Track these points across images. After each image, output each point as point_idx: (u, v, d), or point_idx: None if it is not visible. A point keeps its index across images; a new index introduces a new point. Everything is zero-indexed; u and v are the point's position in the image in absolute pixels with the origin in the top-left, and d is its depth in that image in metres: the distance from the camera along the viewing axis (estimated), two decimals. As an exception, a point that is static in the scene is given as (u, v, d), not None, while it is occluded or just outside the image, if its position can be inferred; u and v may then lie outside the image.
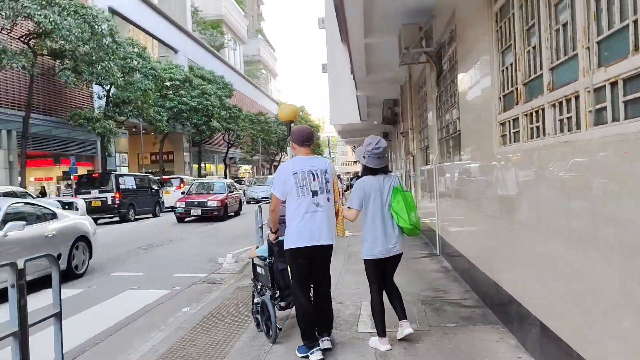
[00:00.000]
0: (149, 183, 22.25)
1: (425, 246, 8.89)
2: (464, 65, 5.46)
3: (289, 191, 3.95)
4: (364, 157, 4.11)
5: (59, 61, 22.39)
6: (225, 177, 50.26)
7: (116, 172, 21.30)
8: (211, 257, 9.68)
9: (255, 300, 4.77)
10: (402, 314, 4.13)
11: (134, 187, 20.59)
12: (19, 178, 21.99)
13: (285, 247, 4.00)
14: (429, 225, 8.77)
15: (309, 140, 4.15)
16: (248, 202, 27.11)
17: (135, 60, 26.19)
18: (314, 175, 3.98)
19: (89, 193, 18.55)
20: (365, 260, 4.07)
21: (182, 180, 27.37)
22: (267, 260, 4.40)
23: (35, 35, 20.64)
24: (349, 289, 5.98)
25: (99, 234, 14.67)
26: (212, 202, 18.24)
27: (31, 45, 20.70)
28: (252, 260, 4.84)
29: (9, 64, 18.13)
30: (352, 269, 7.02)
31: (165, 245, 11.95)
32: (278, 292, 4.38)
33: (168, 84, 32.62)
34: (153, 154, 39.59)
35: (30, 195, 17.72)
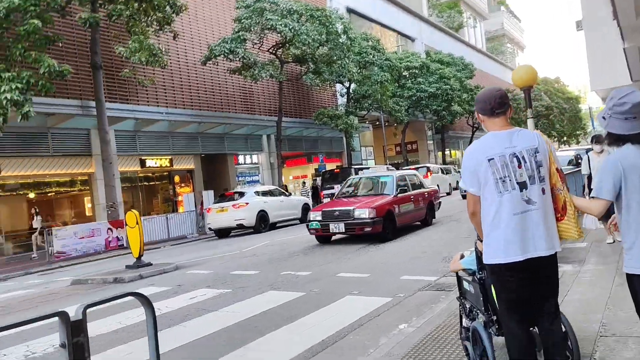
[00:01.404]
0: (390, 174, 22.12)
1: None
2: None
3: (483, 184, 2.64)
4: (603, 117, 2.57)
5: (303, 66, 23.97)
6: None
7: (356, 167, 21.67)
8: (445, 256, 8.53)
9: (463, 324, 3.56)
10: None
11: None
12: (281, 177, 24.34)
13: (485, 261, 2.76)
14: None
15: (501, 105, 2.76)
16: (464, 197, 22.23)
17: (370, 53, 26.46)
18: (519, 160, 2.65)
19: (332, 188, 19.20)
20: (632, 277, 2.49)
21: (428, 169, 26.60)
22: (477, 274, 3.12)
23: (281, 45, 22.43)
24: (622, 308, 4.17)
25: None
26: (362, 212, 10.95)
27: (278, 55, 22.57)
28: (457, 273, 3.61)
29: (258, 73, 20.00)
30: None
31: (400, 240, 11.23)
32: (494, 316, 3.06)
33: (405, 73, 32.30)
34: (397, 145, 39.94)
35: (284, 193, 19.33)
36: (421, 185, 13.60)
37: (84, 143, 18.03)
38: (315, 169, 29.64)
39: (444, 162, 39.48)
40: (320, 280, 7.56)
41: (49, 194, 20.53)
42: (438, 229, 12.46)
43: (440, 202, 14.69)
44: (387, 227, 11.08)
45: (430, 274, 7.20)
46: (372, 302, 5.93)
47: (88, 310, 1.75)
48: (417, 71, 32.64)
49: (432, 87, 32.63)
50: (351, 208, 11.04)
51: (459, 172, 37.94)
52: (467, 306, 3.53)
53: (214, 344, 4.92)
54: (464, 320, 3.65)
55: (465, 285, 3.50)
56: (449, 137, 45.20)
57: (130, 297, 2.31)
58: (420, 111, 34.67)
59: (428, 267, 7.76)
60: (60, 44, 14.86)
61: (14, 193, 18.75)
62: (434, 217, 13.87)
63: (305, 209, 19.45)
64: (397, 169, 26.92)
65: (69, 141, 17.59)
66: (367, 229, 10.73)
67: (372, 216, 10.76)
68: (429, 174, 25.63)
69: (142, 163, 20.54)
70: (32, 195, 19.45)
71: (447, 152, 44.28)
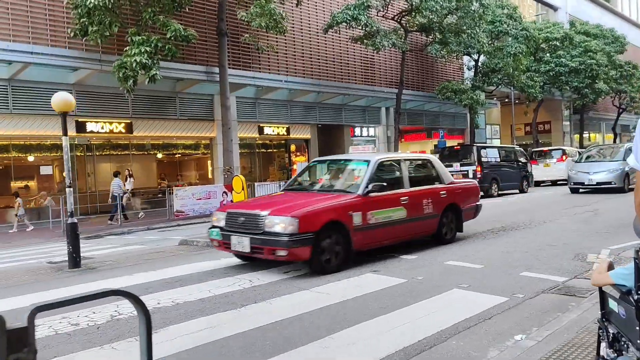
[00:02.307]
0: (515, 156, 20.28)
1: None
2: None
3: None
4: None
5: (428, 36, 22.59)
6: (615, 149, 42.88)
7: (478, 144, 20.10)
8: (577, 252, 7.31)
9: (602, 352, 2.69)
10: None
11: (498, 160, 19.02)
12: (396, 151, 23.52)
13: None
14: None
15: None
16: (573, 191, 17.90)
17: (505, 22, 24.21)
18: None
19: (451, 166, 17.99)
20: None
21: (564, 152, 24.11)
22: (634, 294, 2.23)
23: (406, 13, 21.26)
24: None
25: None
26: (275, 221, 7.06)
27: (402, 24, 21.45)
28: (601, 288, 2.70)
29: (380, 42, 19.15)
30: None
31: (523, 228, 10.02)
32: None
33: (544, 45, 29.25)
34: (527, 124, 36.78)
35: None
36: (437, 179, 8.77)
37: (207, 108, 18.69)
38: (434, 145, 28.26)
39: (581, 146, 35.62)
40: (426, 267, 6.82)
41: (176, 156, 21.79)
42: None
43: (479, 206, 9.55)
44: (326, 251, 6.57)
45: (557, 273, 6.14)
46: (483, 300, 5.11)
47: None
48: (557, 43, 29.34)
49: (575, 62, 29.21)
50: (261, 213, 6.66)
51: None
52: (612, 332, 2.66)
53: (298, 329, 4.48)
54: (603, 349, 2.77)
55: (612, 305, 2.62)
56: (589, 118, 40.66)
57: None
58: (557, 88, 31.35)
59: (555, 263, 6.66)
60: (187, 9, 15.26)
61: (145, 152, 20.11)
62: (461, 230, 8.95)
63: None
64: (526, 150, 24.71)
65: (194, 106, 18.33)
66: (281, 253, 6.34)
67: (292, 231, 6.24)
68: (564, 157, 23.15)
69: (261, 130, 20.90)
70: (160, 155, 20.75)
71: (585, 135, 39.94)
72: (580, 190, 17.74)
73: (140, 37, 12.82)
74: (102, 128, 16.42)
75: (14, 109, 14.18)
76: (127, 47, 13.04)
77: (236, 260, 7.66)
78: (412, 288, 5.72)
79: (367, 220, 7.12)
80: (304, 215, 6.44)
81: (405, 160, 8.54)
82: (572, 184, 17.86)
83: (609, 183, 16.75)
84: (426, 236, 8.51)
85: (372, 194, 7.24)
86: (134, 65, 12.66)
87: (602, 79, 31.62)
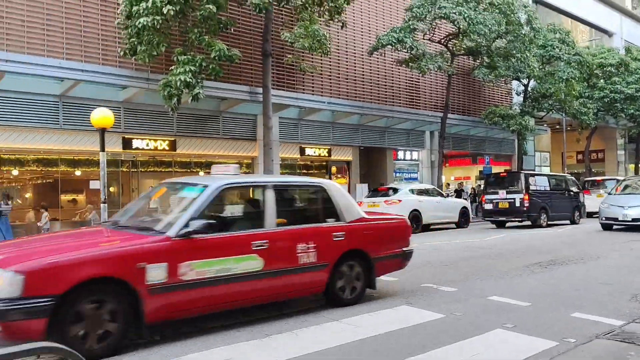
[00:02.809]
0: (567, 184, 19.37)
1: None
2: None
3: None
4: None
5: (476, 60, 22.11)
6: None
7: (527, 172, 19.30)
8: (635, 294, 6.70)
9: None
10: None
11: (548, 188, 18.20)
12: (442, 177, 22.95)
13: None
14: None
15: None
16: (606, 228, 15.73)
17: (557, 47, 23.46)
18: None
19: (496, 193, 17.34)
20: None
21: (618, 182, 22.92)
22: None
23: (453, 36, 20.92)
24: None
25: (501, 240, 13.24)
26: None
27: (449, 47, 21.09)
28: None
29: (425, 66, 18.85)
30: None
31: (574, 263, 9.36)
32: None
33: (598, 71, 28.15)
34: (579, 152, 35.36)
35: (441, 193, 18.13)
36: (333, 214, 6.27)
37: (250, 128, 18.80)
38: (479, 171, 27.46)
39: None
40: (467, 301, 6.38)
41: (218, 174, 21.92)
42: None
43: (407, 253, 6.99)
44: (88, 327, 4.32)
45: (613, 315, 5.59)
46: (529, 344, 4.65)
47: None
48: (612, 69, 28.17)
49: (631, 88, 27.93)
50: None
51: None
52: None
53: None
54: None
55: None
56: (647, 147, 38.77)
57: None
58: (612, 115, 30.03)
59: (610, 304, 6.10)
60: (232, 29, 15.47)
61: (188, 170, 20.35)
62: (372, 287, 6.47)
63: (464, 212, 18.00)
64: (578, 179, 23.63)
65: (237, 125, 18.47)
66: None
67: (10, 294, 4.09)
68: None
69: (302, 151, 20.83)
70: (202, 173, 20.94)
71: (641, 165, 38.03)
72: (614, 227, 15.57)
73: (185, 57, 13.02)
74: (147, 145, 16.71)
75: (63, 124, 14.62)
76: (173, 67, 13.26)
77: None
78: (451, 324, 5.30)
79: (180, 275, 4.83)
80: (38, 269, 4.22)
81: (276, 186, 5.94)
82: (603, 219, 15.53)
83: None
84: (309, 294, 6.18)
85: (196, 236, 4.98)
86: (178, 84, 12.84)
87: (660, 106, 30.14)
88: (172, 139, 17.15)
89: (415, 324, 5.33)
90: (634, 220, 14.58)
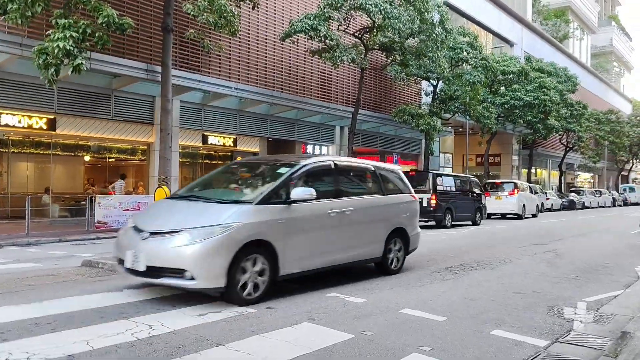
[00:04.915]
0: (470, 186, 19.63)
1: None
2: None
3: None
4: None
5: (389, 57, 21.83)
6: (560, 186, 43.76)
7: (435, 172, 19.30)
8: (551, 305, 6.25)
9: None
10: None
11: (454, 189, 18.26)
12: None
13: None
14: None
15: None
16: None
17: (465, 50, 23.87)
18: None
19: (404, 192, 17.05)
20: None
21: (515, 186, 23.81)
22: None
23: (368, 30, 20.43)
24: None
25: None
26: None
27: (363, 40, 20.60)
28: None
29: (339, 57, 18.15)
30: None
31: (483, 268, 8.97)
32: None
33: (501, 77, 29.25)
34: (479, 155, 36.84)
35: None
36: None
37: (147, 110, 17.01)
38: (387, 170, 27.41)
39: (529, 181, 35.86)
40: (377, 315, 5.54)
41: (109, 160, 19.82)
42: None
43: None
44: None
45: (533, 333, 5.01)
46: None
47: None
48: (514, 77, 29.43)
49: (530, 96, 29.36)
50: None
51: (545, 192, 34.35)
52: None
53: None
54: None
55: None
56: (537, 154, 41.40)
57: None
58: (511, 121, 31.46)
59: (528, 319, 5.54)
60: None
61: (72, 154, 18.09)
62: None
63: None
64: (480, 181, 24.23)
65: (131, 106, 16.60)
66: None
67: None
68: (515, 191, 22.79)
69: (205, 139, 19.32)
70: (87, 158, 18.76)
71: (532, 170, 40.48)
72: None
73: (66, 21, 11.15)
74: (20, 122, 14.44)
75: None
76: (51, 31, 11.33)
77: (142, 294, 6.15)
78: (361, 347, 4.40)
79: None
80: None
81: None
82: None
83: None
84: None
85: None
86: (56, 51, 10.95)
87: (554, 116, 32.05)
88: (52, 116, 14.97)
89: (320, 348, 4.37)
90: None
